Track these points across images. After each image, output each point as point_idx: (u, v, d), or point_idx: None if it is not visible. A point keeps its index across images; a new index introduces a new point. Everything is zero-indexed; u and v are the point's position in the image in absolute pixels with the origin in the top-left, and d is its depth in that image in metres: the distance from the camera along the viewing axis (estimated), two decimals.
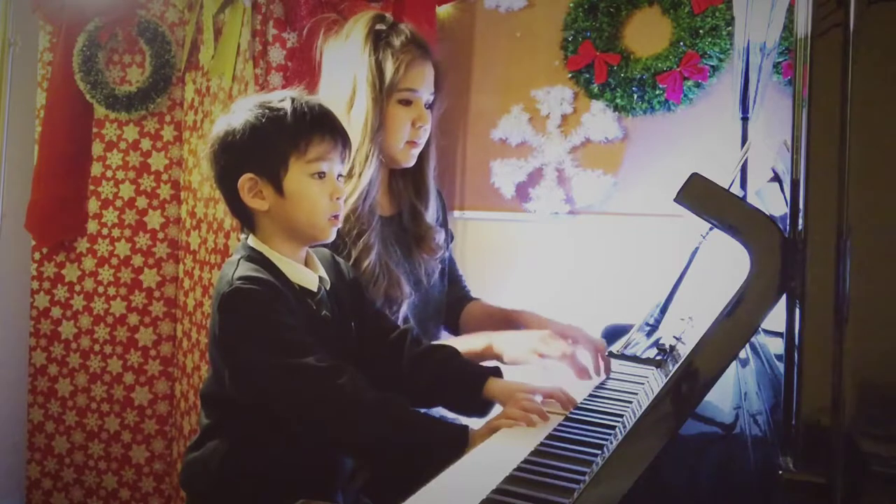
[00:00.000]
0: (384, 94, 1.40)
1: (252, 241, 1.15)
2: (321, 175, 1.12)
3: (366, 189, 1.40)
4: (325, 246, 1.25)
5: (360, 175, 1.39)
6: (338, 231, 1.19)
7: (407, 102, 1.43)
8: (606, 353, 1.38)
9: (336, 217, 1.15)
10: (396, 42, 1.41)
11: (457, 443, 1.01)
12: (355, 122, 1.39)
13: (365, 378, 1.06)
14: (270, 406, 1.07)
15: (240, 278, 1.06)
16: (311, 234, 1.15)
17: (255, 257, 1.12)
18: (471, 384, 1.17)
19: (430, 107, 1.48)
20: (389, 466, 1.08)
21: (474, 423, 1.10)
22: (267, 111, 1.12)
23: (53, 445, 2.59)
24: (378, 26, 1.43)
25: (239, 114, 1.13)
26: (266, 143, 1.11)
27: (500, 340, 1.37)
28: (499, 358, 1.35)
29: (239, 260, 1.12)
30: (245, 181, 1.11)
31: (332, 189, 1.14)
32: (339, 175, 1.17)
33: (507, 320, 1.55)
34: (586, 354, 1.34)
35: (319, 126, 1.13)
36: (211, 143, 1.15)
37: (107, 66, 2.54)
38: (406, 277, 1.45)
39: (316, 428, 1.06)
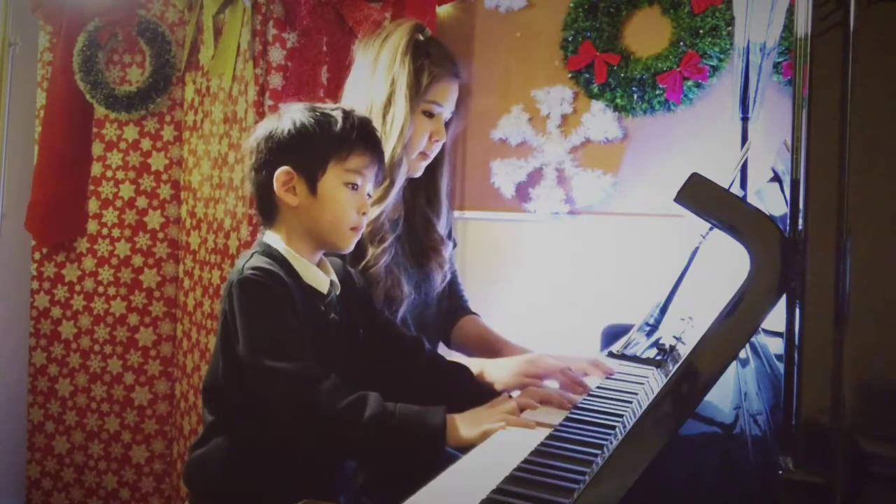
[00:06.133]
0: (416, 102, 1.42)
1: (269, 237, 1.17)
2: (354, 187, 1.16)
3: (394, 195, 1.42)
4: (341, 256, 1.26)
5: (393, 181, 1.41)
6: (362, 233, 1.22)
7: (430, 115, 1.45)
8: (606, 354, 1.38)
9: (357, 229, 1.17)
10: (434, 54, 1.44)
11: (436, 431, 1.01)
12: (390, 127, 1.40)
13: (347, 383, 1.06)
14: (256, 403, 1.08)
15: (251, 268, 1.09)
16: (332, 239, 1.17)
17: (270, 252, 1.14)
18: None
19: (446, 124, 1.49)
20: (375, 464, 1.08)
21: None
22: (318, 114, 1.15)
23: (53, 445, 2.60)
24: (418, 36, 1.45)
25: (288, 114, 1.17)
26: (310, 142, 1.14)
27: (490, 367, 1.35)
28: (490, 386, 1.35)
29: (254, 253, 1.14)
30: (282, 174, 1.14)
31: (360, 203, 1.17)
32: (368, 194, 1.19)
33: (493, 349, 1.54)
34: (581, 368, 1.34)
35: (364, 141, 1.16)
36: (255, 136, 1.18)
37: (107, 66, 2.55)
38: (407, 279, 1.45)
39: (294, 432, 1.06)
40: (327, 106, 1.19)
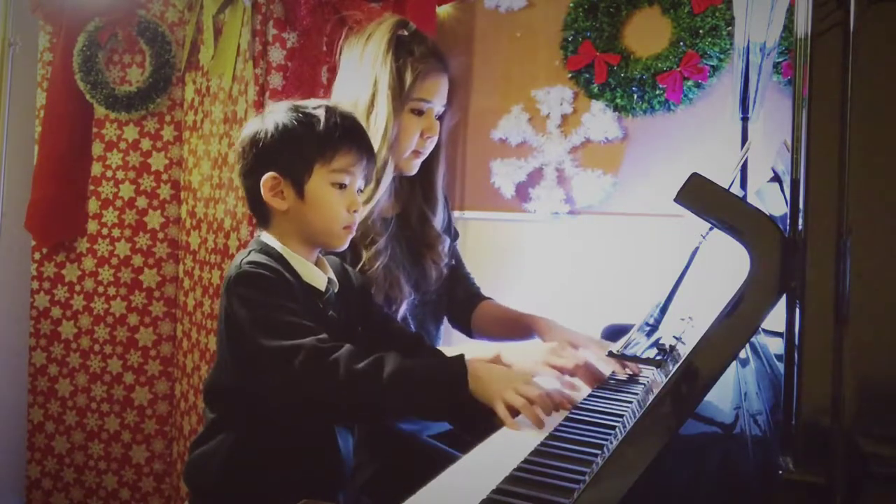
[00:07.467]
0: (401, 101, 1.40)
1: (266, 237, 1.17)
2: (342, 186, 1.15)
3: (382, 196, 1.41)
4: (336, 253, 1.26)
5: (378, 182, 1.39)
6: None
7: (419, 112, 1.43)
8: (606, 354, 1.38)
9: (349, 227, 1.17)
10: (417, 51, 1.42)
11: (457, 376, 1.04)
12: (374, 128, 1.38)
13: (362, 351, 1.06)
14: (270, 393, 1.08)
15: (248, 263, 1.09)
16: (325, 240, 1.17)
17: (267, 250, 1.14)
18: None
19: (439, 118, 1.48)
20: (398, 419, 1.07)
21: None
22: (300, 115, 1.14)
23: (53, 445, 2.60)
24: (401, 32, 1.43)
25: (271, 115, 1.15)
26: (294, 146, 1.13)
27: (509, 352, 1.33)
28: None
29: (251, 251, 1.14)
30: (268, 179, 1.13)
31: (350, 202, 1.16)
32: (359, 190, 1.19)
33: (519, 324, 1.54)
34: (600, 363, 1.34)
35: (348, 139, 1.14)
36: (241, 140, 1.17)
37: (107, 66, 2.55)
38: (406, 278, 1.45)
39: (318, 406, 1.07)
40: (311, 103, 1.17)
